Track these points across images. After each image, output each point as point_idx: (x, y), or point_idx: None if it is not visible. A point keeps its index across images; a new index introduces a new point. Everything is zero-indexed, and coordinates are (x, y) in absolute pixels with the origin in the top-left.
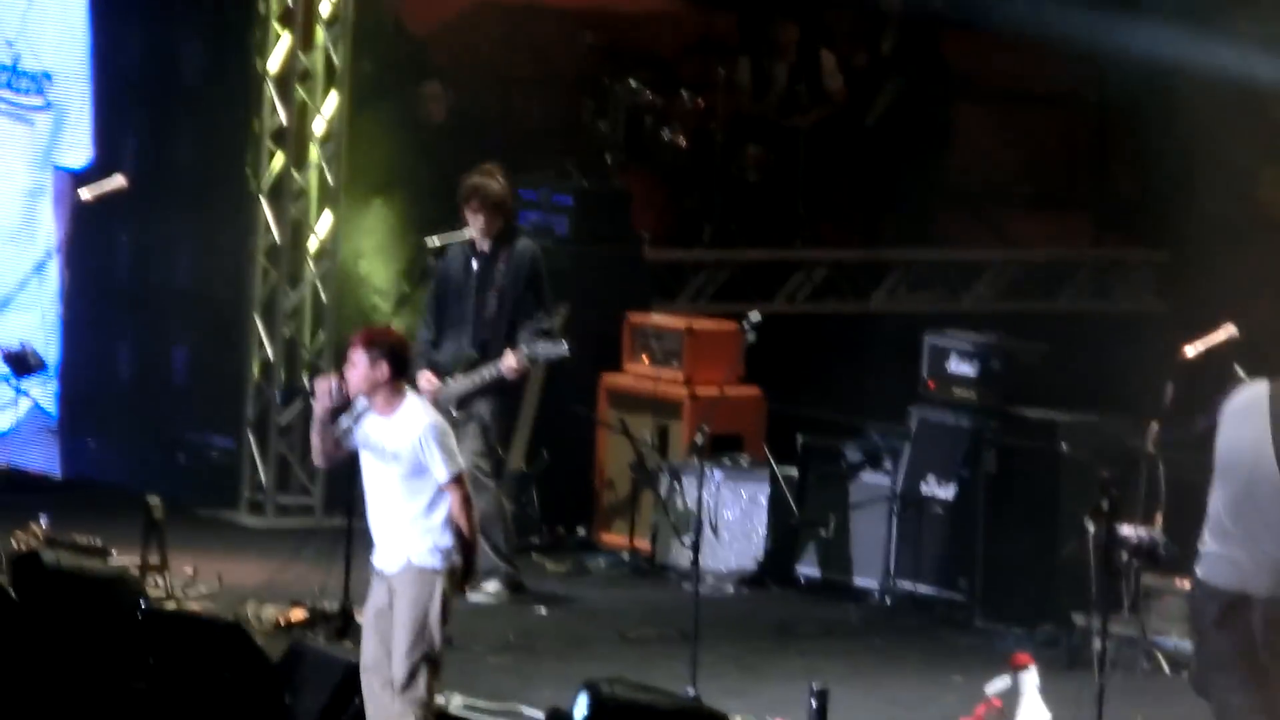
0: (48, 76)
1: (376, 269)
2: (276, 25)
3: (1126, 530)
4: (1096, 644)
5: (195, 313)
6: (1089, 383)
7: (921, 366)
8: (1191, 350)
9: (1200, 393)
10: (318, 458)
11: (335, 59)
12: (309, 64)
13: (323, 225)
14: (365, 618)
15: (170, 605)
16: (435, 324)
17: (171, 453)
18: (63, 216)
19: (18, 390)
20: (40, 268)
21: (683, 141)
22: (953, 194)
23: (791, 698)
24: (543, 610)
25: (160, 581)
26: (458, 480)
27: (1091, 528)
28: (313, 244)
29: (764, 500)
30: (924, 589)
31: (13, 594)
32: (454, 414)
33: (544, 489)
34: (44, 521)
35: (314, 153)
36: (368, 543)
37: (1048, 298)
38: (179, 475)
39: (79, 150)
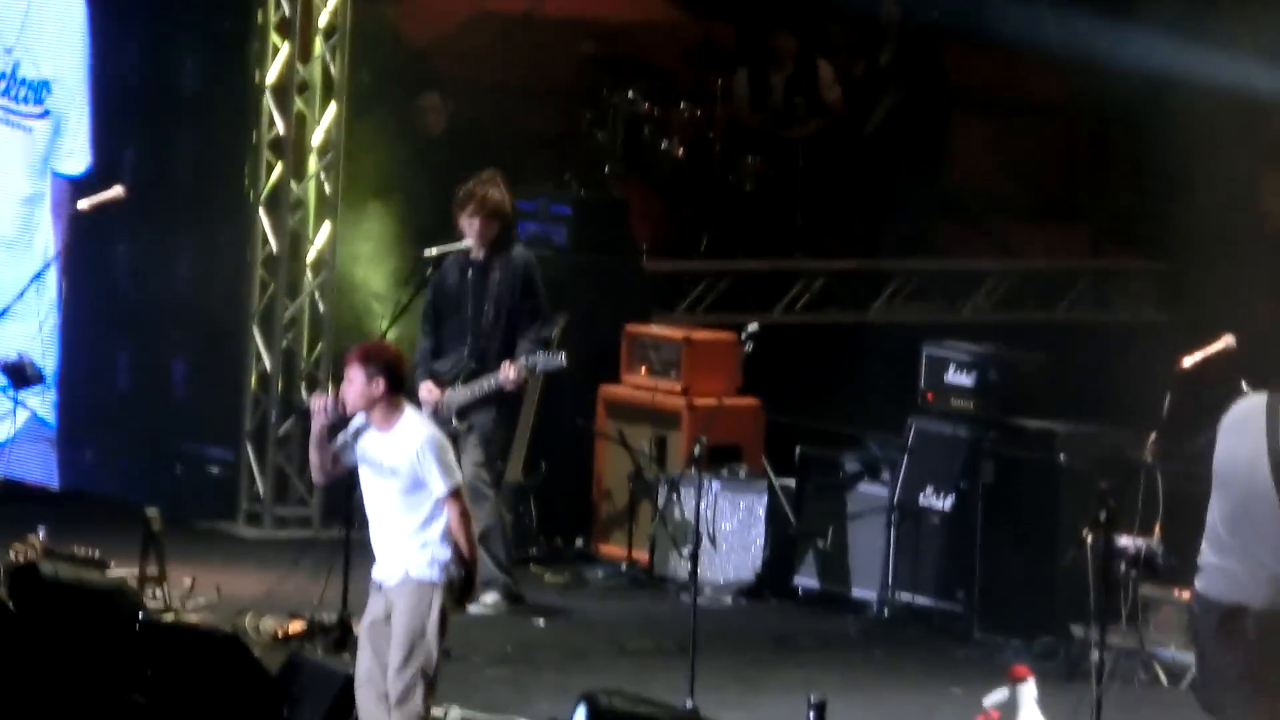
0: (46, 85)
1: (374, 279)
2: (274, 36)
3: (1125, 541)
4: (1095, 655)
5: (193, 324)
6: (1087, 393)
7: (919, 377)
8: (1189, 361)
9: (1198, 403)
10: (316, 475)
11: (333, 69)
12: (307, 75)
13: (321, 236)
14: (360, 631)
15: (168, 617)
16: (433, 334)
17: (169, 464)
18: (61, 224)
19: (15, 401)
20: (38, 277)
21: (681, 152)
22: (951, 204)
23: (790, 709)
24: (541, 622)
25: (158, 593)
26: (456, 494)
27: (1090, 539)
28: (311, 255)
29: (762, 511)
30: (922, 600)
31: (11, 605)
32: (455, 424)
33: (542, 500)
34: (42, 533)
35: (312, 163)
36: (366, 554)
37: (1046, 308)
38: (177, 486)
39: (77, 157)
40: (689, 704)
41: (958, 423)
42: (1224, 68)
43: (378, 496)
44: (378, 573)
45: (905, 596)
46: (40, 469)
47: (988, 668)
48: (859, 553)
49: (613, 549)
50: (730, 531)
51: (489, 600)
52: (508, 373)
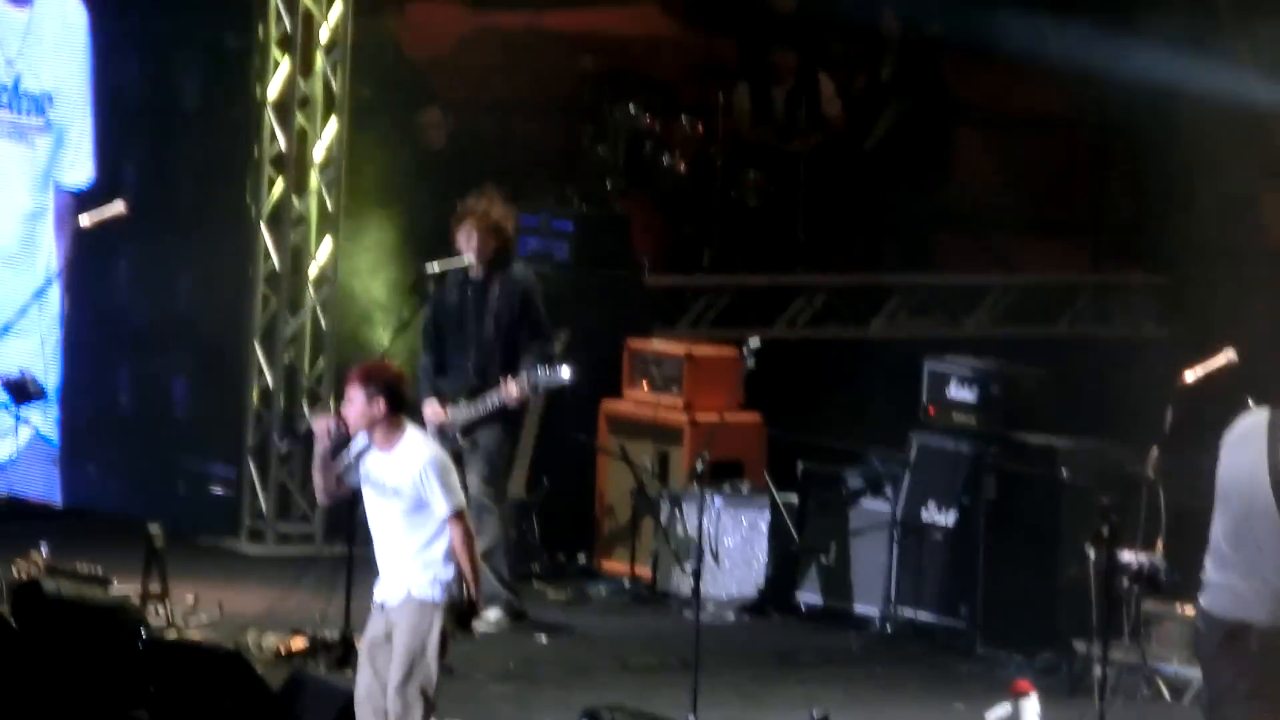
0: (48, 97)
1: (376, 295)
2: (276, 51)
3: (1127, 556)
4: (1097, 671)
5: (195, 340)
6: (1089, 408)
7: (921, 392)
8: (1191, 376)
9: (1200, 418)
10: (321, 496)
11: (335, 85)
12: (308, 90)
13: (322, 251)
14: (360, 649)
15: (171, 634)
16: (435, 350)
17: (171, 480)
18: (63, 239)
19: (17, 418)
20: (40, 293)
21: (682, 166)
22: (952, 219)
23: None
24: (543, 638)
25: (161, 610)
26: (459, 515)
27: (1092, 554)
28: (312, 270)
29: (764, 527)
30: (924, 616)
31: (13, 623)
32: (459, 441)
33: (544, 516)
34: (44, 550)
35: (314, 179)
36: (368, 571)
37: (1047, 323)
38: (179, 503)
39: (80, 169)
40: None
41: (960, 438)
42: (1225, 81)
43: (381, 516)
44: (380, 592)
45: (908, 612)
46: (43, 486)
47: (990, 683)
48: (861, 568)
49: (615, 565)
50: (733, 547)
51: (492, 617)
52: (510, 389)
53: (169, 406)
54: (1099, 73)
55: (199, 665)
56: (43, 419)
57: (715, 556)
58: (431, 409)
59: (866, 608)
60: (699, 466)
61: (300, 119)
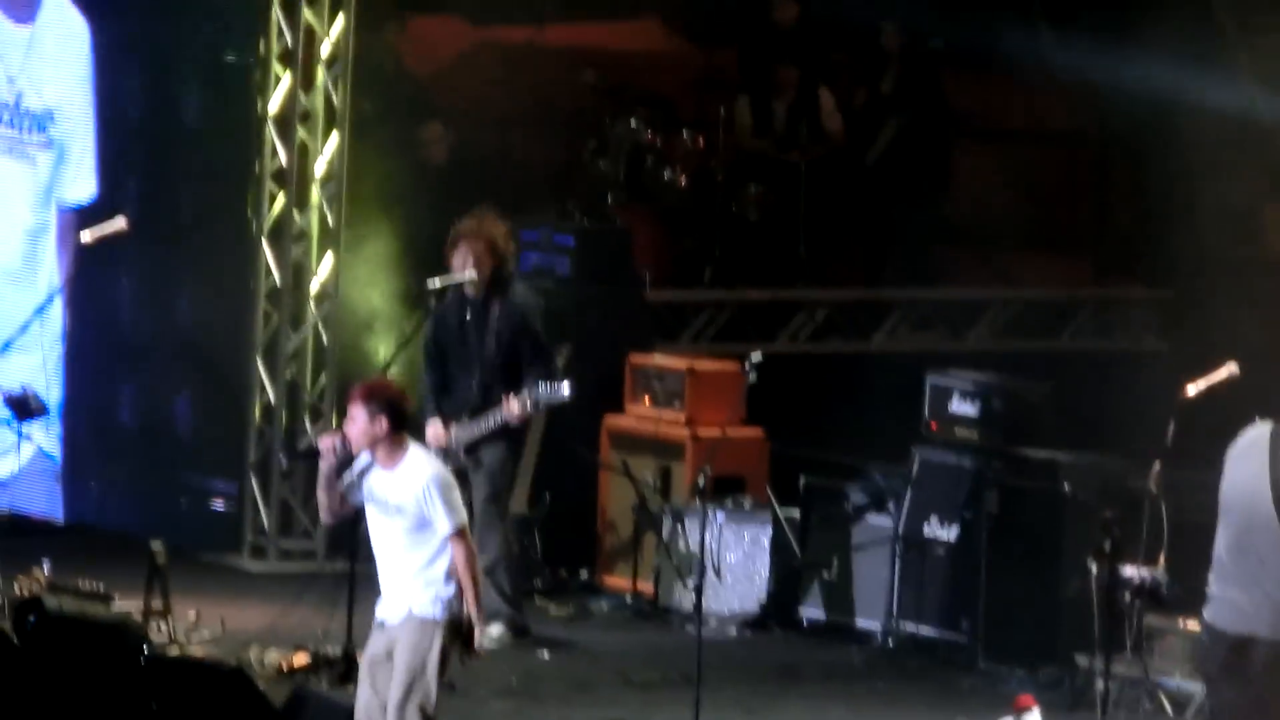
0: (50, 114)
1: (377, 309)
2: (277, 66)
3: (1129, 570)
4: (1099, 685)
5: (197, 356)
6: (1091, 422)
7: (923, 407)
8: (1193, 389)
9: (1202, 432)
10: (325, 515)
11: (335, 100)
12: (309, 105)
13: (324, 267)
14: (360, 667)
15: (173, 650)
16: (437, 369)
17: (173, 497)
18: (65, 256)
19: (19, 434)
20: (42, 310)
21: (683, 181)
22: (953, 233)
23: None
24: (545, 654)
25: (163, 627)
26: (461, 533)
27: (1094, 568)
28: (314, 286)
29: (766, 542)
30: (927, 631)
31: (15, 640)
32: (462, 459)
33: (546, 531)
34: (46, 566)
35: (315, 194)
36: (371, 587)
37: (1049, 337)
38: (181, 519)
39: (82, 185)
40: None
41: (962, 452)
42: (1225, 94)
43: (383, 534)
44: (381, 610)
45: (910, 627)
46: (45, 502)
47: (992, 698)
48: (863, 583)
49: (617, 580)
50: (735, 562)
51: (494, 633)
52: (512, 407)
53: (171, 423)
54: (1100, 86)
55: (201, 682)
56: (45, 435)
57: (717, 572)
58: (434, 430)
59: (869, 622)
60: (701, 481)
61: (301, 134)
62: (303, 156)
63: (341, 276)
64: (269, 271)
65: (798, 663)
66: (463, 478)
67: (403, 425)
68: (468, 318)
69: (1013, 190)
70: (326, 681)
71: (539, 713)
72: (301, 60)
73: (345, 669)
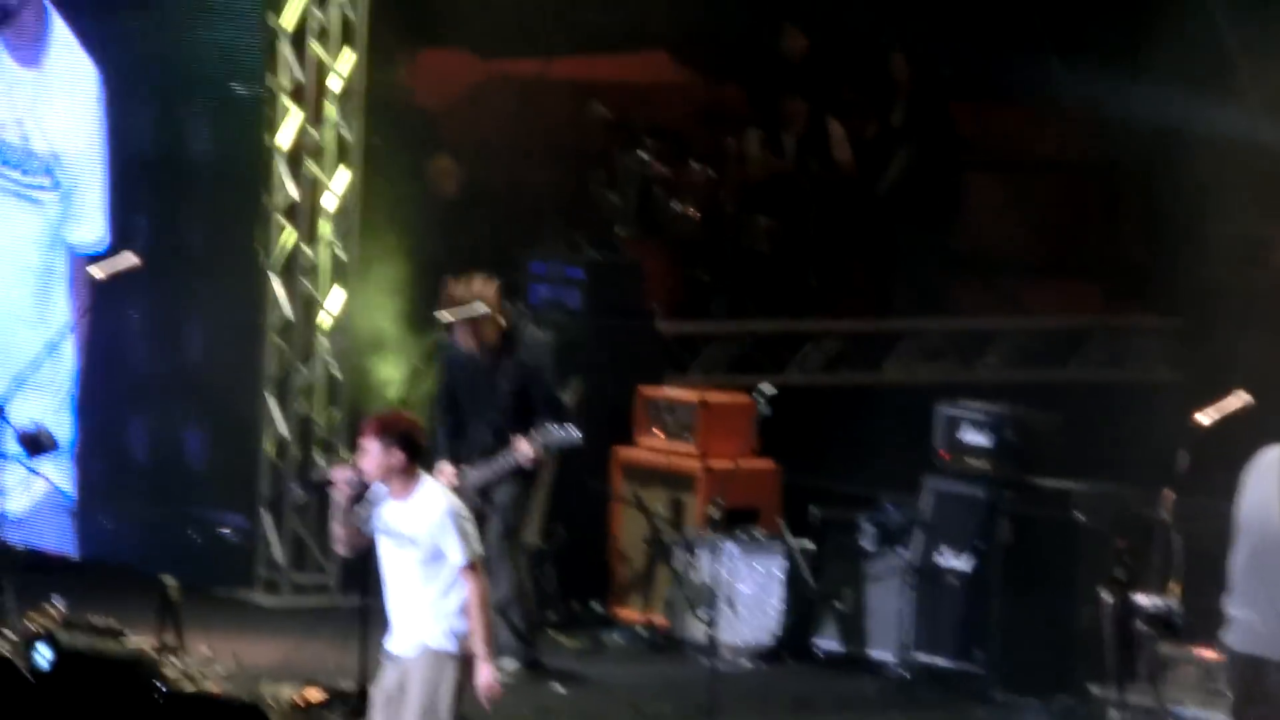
0: (56, 157)
1: (387, 345)
2: (286, 100)
3: (1143, 600)
4: (1114, 715)
5: (208, 391)
6: (1102, 451)
7: (935, 437)
8: (1204, 418)
9: (1214, 461)
10: (340, 547)
11: (346, 134)
12: (320, 139)
13: (334, 301)
14: (372, 701)
15: (187, 686)
16: (452, 413)
17: (186, 532)
18: (79, 302)
19: (31, 470)
20: (54, 347)
21: (693, 212)
22: (964, 263)
23: None
24: (560, 688)
25: (177, 662)
26: (473, 567)
27: (1108, 597)
28: (325, 320)
29: (779, 573)
30: (941, 661)
31: (29, 676)
32: (477, 502)
33: (559, 564)
34: (60, 602)
35: (325, 228)
36: (384, 621)
37: (1059, 366)
38: (194, 554)
39: (89, 228)
40: None
41: (974, 482)
42: (1235, 122)
43: (397, 566)
44: (393, 644)
45: (924, 657)
46: (58, 538)
47: None
48: (877, 614)
49: (630, 612)
50: (748, 594)
51: (508, 667)
52: (523, 448)
53: (182, 457)
54: (1109, 115)
55: (215, 717)
56: (57, 471)
57: (730, 604)
58: (446, 475)
59: (883, 653)
60: (713, 513)
61: (312, 167)
62: (313, 191)
63: (352, 310)
64: (279, 306)
65: (812, 694)
66: (478, 519)
67: (417, 456)
68: (480, 365)
69: (1022, 219)
70: (340, 716)
71: None
72: (312, 94)
73: (359, 704)
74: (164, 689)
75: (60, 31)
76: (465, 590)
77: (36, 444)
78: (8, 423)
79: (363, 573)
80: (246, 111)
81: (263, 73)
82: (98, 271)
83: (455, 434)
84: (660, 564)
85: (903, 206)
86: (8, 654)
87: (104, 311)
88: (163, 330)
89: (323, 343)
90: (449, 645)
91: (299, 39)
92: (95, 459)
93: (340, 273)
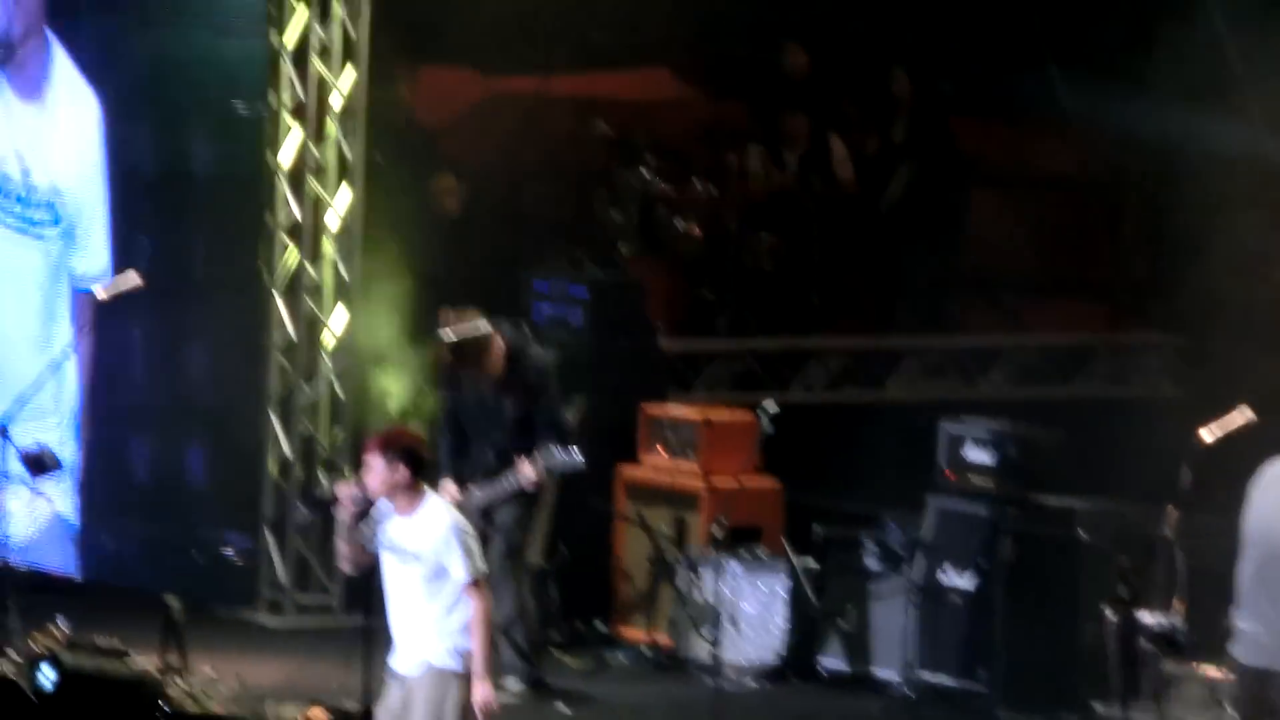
0: (58, 191)
1: (390, 363)
2: (288, 119)
3: (1146, 617)
4: None
5: (211, 410)
6: (1106, 469)
7: (938, 455)
8: (1208, 435)
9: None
10: (345, 564)
11: (347, 152)
12: (321, 157)
13: (338, 320)
14: (376, 717)
15: (191, 707)
16: (456, 433)
17: (189, 552)
18: (83, 336)
19: (34, 491)
20: (57, 368)
21: (695, 230)
22: (967, 280)
23: None
24: (564, 708)
25: (180, 683)
26: (478, 584)
27: (1111, 615)
28: (328, 339)
29: (783, 592)
30: (945, 680)
31: (33, 697)
32: (480, 523)
33: (563, 583)
34: (63, 623)
35: (328, 247)
36: (388, 641)
37: (1062, 383)
38: (197, 575)
39: (92, 259)
40: None
41: (977, 500)
42: (1237, 138)
43: (400, 583)
44: (397, 662)
45: (928, 676)
46: (62, 559)
47: None
48: (881, 632)
49: (633, 631)
50: (751, 613)
51: (512, 687)
52: (526, 471)
53: (185, 478)
54: (1112, 131)
55: None
56: (61, 496)
57: (734, 622)
58: (450, 493)
59: (887, 672)
60: (716, 532)
61: (314, 186)
62: (315, 209)
63: (355, 329)
64: (282, 325)
65: (816, 713)
66: (482, 539)
67: (421, 471)
68: (484, 386)
69: (1025, 236)
70: None
71: None
72: (313, 113)
73: None
74: (168, 710)
75: (62, 64)
76: (469, 607)
77: (40, 464)
78: (11, 443)
79: (366, 593)
80: (248, 130)
81: (264, 90)
82: (100, 291)
83: (458, 453)
84: (664, 583)
85: (905, 223)
86: (12, 675)
87: (106, 331)
88: (165, 350)
89: (326, 362)
90: (453, 663)
91: (301, 57)
92: (98, 479)
93: (343, 292)
